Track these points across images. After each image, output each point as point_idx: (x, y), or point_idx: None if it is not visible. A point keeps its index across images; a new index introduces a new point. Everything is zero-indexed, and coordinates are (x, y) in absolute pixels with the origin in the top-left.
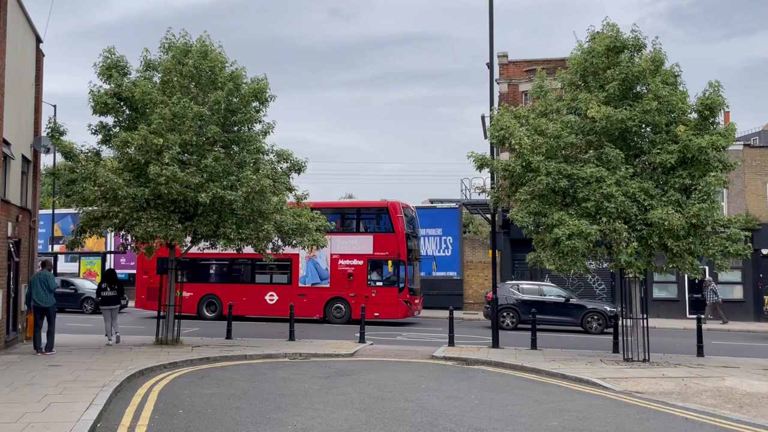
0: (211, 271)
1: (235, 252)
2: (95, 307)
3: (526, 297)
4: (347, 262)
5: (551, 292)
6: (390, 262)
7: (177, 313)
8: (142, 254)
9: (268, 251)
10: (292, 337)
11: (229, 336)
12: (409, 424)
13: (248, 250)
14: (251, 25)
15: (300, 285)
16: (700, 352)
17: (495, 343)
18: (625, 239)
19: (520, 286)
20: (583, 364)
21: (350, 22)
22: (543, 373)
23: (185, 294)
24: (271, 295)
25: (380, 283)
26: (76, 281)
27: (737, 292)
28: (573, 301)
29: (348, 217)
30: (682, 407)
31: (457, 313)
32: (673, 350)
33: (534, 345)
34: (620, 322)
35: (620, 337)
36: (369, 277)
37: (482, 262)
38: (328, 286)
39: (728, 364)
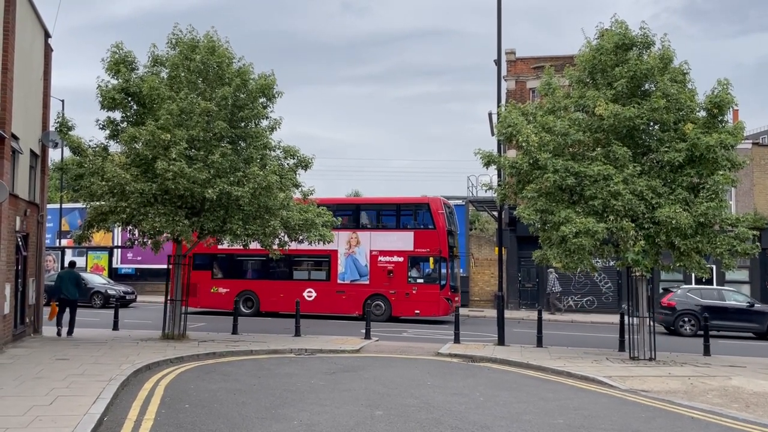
0: (248, 267)
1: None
2: (105, 301)
3: (706, 302)
4: (387, 258)
5: (733, 297)
6: (431, 259)
7: (214, 309)
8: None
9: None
10: (297, 333)
11: (235, 331)
12: (414, 420)
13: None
14: (262, 18)
15: (339, 282)
16: (706, 351)
17: (500, 341)
18: (632, 237)
19: (700, 290)
20: (589, 363)
21: (361, 16)
22: (549, 371)
23: (222, 290)
24: (309, 292)
25: (421, 280)
26: (86, 276)
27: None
28: (757, 306)
29: (388, 213)
30: (688, 406)
31: (462, 310)
32: (680, 349)
33: (540, 343)
34: (626, 321)
35: (626, 336)
36: (409, 273)
37: (488, 259)
38: (367, 282)
39: (735, 364)
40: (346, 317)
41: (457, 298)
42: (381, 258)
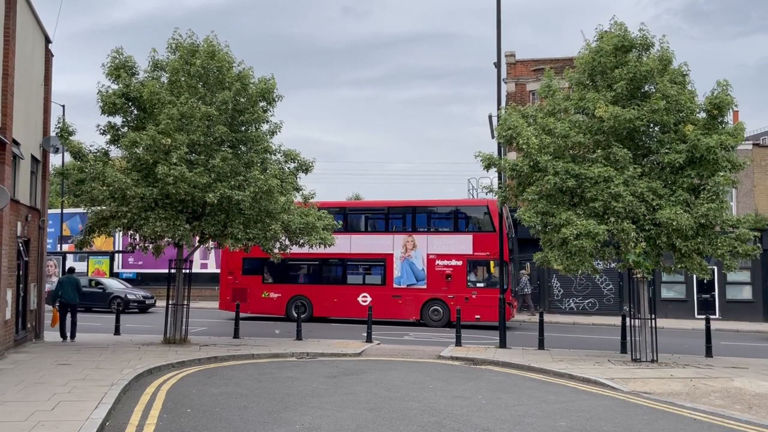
0: (300, 272)
1: (325, 252)
2: (125, 305)
3: None
4: (445, 262)
5: None
6: (491, 263)
7: (265, 314)
8: (226, 254)
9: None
10: (299, 337)
11: (236, 335)
12: (416, 423)
13: (339, 249)
14: (263, 23)
15: (395, 286)
16: (708, 353)
17: (502, 343)
18: (633, 239)
19: None
20: (591, 365)
21: (362, 20)
22: (550, 374)
23: (273, 295)
24: (364, 297)
25: (481, 285)
26: (105, 280)
27: (746, 293)
28: None
29: (445, 216)
30: (690, 408)
31: None
32: (682, 351)
33: (541, 345)
34: (628, 322)
35: (628, 337)
36: (468, 278)
37: None
38: (424, 287)
39: (737, 365)
40: (403, 323)
41: (515, 303)
42: (438, 262)
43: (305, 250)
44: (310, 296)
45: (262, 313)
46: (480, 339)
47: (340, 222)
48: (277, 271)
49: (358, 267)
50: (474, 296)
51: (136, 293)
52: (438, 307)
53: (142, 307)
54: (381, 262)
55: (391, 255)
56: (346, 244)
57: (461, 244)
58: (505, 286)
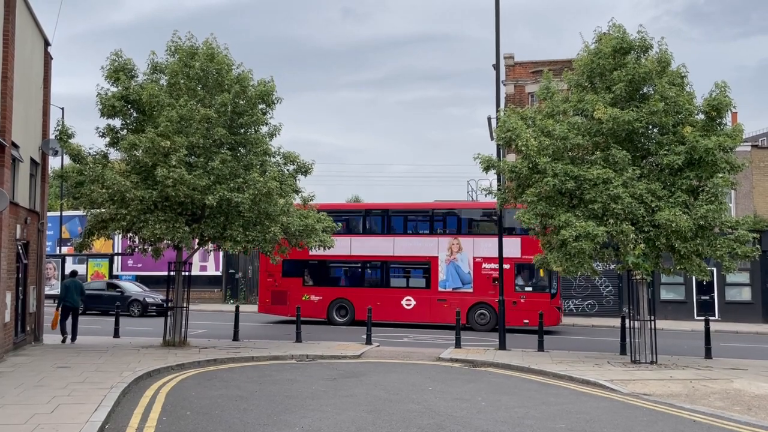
0: (342, 274)
1: (368, 254)
2: (143, 309)
3: None
4: (492, 265)
5: None
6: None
7: (305, 317)
8: (265, 257)
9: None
10: (299, 339)
11: (236, 337)
12: (416, 426)
13: (382, 252)
14: (263, 25)
15: (439, 289)
16: (707, 354)
17: (502, 345)
18: (632, 241)
19: None
20: (591, 366)
21: (362, 22)
22: (550, 375)
23: (314, 298)
24: (408, 300)
25: (529, 289)
26: (122, 284)
27: (745, 294)
28: None
29: (492, 218)
30: (690, 409)
31: None
32: (681, 352)
33: (541, 347)
34: (627, 324)
35: (627, 339)
36: (516, 281)
37: None
38: (470, 290)
39: (736, 367)
40: (447, 327)
41: (563, 308)
42: (485, 265)
43: (346, 252)
44: (351, 299)
45: (303, 317)
46: (479, 341)
47: (340, 225)
48: (318, 274)
49: (402, 270)
50: (522, 300)
51: (154, 296)
52: (485, 311)
53: (161, 311)
54: (425, 265)
55: (436, 258)
56: (389, 246)
57: (509, 246)
58: (554, 290)
